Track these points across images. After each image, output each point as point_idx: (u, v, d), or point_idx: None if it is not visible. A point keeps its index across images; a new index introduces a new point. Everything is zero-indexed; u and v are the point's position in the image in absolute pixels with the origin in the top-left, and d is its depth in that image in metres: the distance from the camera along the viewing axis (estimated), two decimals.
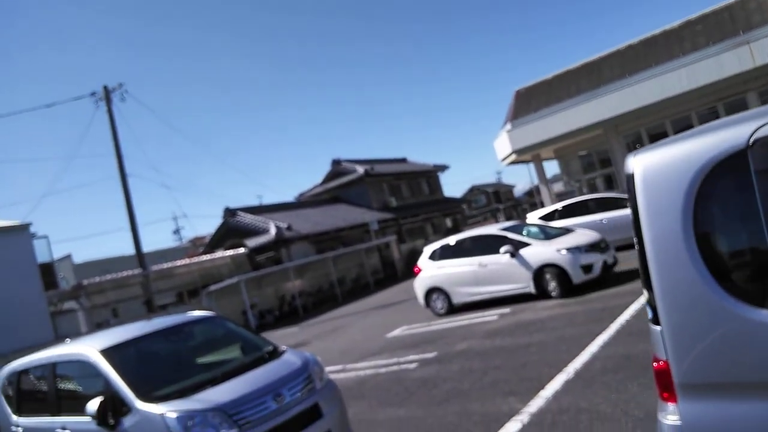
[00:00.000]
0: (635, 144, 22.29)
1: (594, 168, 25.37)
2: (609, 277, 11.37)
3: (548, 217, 15.45)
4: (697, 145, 2.28)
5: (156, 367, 5.51)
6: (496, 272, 11.56)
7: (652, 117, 21.44)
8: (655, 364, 2.47)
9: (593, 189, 25.00)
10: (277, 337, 17.02)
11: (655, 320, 2.40)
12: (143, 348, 5.59)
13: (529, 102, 24.17)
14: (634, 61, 21.94)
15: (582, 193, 24.32)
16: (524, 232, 11.98)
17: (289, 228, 27.35)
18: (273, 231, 26.90)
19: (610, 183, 24.69)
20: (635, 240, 2.46)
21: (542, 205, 25.89)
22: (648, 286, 2.40)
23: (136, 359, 5.39)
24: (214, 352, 5.99)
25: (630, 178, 2.44)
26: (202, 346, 6.07)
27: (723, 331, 2.18)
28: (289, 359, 5.44)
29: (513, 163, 26.79)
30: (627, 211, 14.27)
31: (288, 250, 27.79)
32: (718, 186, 2.22)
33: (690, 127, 21.07)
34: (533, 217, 16.05)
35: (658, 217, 2.32)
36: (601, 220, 14.54)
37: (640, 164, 2.41)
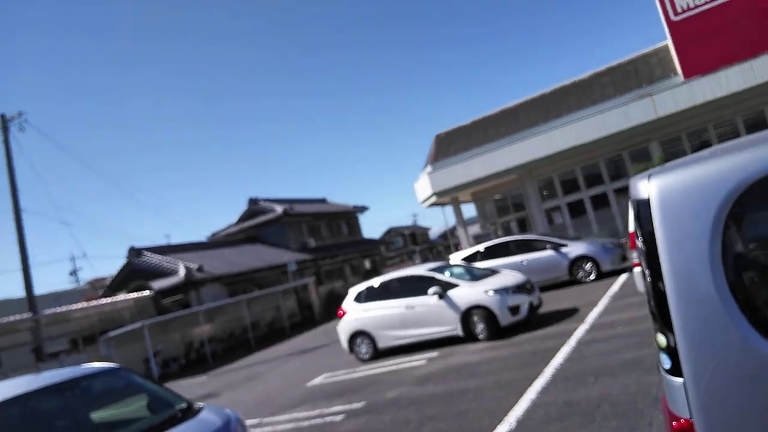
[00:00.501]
0: (545, 189, 23.19)
1: (508, 211, 26.06)
2: (535, 319, 11.28)
3: (471, 259, 15.41)
4: (726, 164, 1.95)
5: None
6: (424, 314, 11.16)
7: (564, 163, 22.40)
8: (674, 423, 2.06)
9: (507, 231, 25.64)
10: (182, 387, 15.55)
11: (675, 371, 2.00)
12: (28, 408, 4.57)
13: (449, 146, 24.63)
14: (548, 109, 23.03)
15: (497, 236, 24.87)
16: (451, 273, 11.73)
17: (200, 269, 25.77)
18: (182, 272, 25.23)
19: (523, 226, 25.42)
20: (647, 274, 2.08)
21: (458, 248, 26.22)
22: (665, 329, 2.01)
23: (19, 424, 4.38)
24: (116, 411, 5.05)
25: (643, 204, 2.06)
26: (102, 405, 5.11)
27: (763, 384, 1.81)
28: (207, 418, 4.62)
29: (433, 205, 27.03)
30: (546, 253, 14.54)
31: (198, 293, 26.12)
32: (753, 210, 1.89)
33: (598, 174, 22.30)
34: (456, 258, 15.96)
35: (680, 248, 1.94)
36: (522, 261, 14.67)
37: (656, 187, 2.04)
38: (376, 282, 12.31)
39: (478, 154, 22.80)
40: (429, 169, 23.71)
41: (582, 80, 23.13)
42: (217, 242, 35.12)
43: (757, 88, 18.34)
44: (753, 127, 19.69)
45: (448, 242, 72.95)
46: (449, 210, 26.39)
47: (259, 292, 26.83)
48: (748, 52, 18.36)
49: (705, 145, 20.16)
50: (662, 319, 2.01)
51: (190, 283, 25.34)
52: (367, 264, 41.48)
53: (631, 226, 7.68)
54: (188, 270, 25.26)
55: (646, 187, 2.07)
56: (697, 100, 19.06)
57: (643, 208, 2.06)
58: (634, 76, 21.58)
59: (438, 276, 11.34)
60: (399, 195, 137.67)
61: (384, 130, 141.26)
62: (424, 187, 24.25)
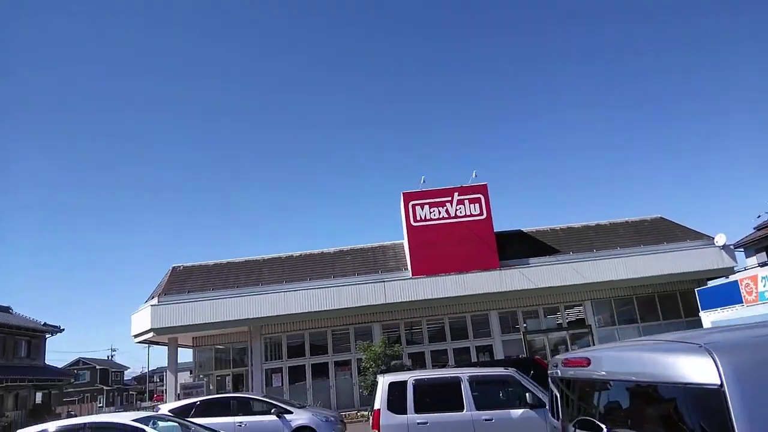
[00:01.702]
0: (271, 349, 22.66)
1: (227, 365, 24.50)
2: None
3: (184, 412, 13.49)
4: None
5: None
6: None
7: (296, 326, 22.47)
8: None
9: (221, 386, 23.85)
10: None
11: None
12: None
13: (184, 281, 22.90)
14: (291, 271, 23.44)
15: (210, 389, 22.86)
16: (160, 427, 9.95)
17: None
18: None
19: (239, 382, 23.98)
20: None
21: (156, 397, 23.05)
22: None
23: None
24: None
25: (703, 391, 1.66)
26: None
27: None
28: None
29: (145, 342, 24.05)
30: (268, 418, 13.56)
31: None
32: None
33: (324, 344, 22.76)
34: (166, 409, 13.82)
35: None
36: (240, 423, 13.37)
37: (731, 364, 1.67)
38: (51, 427, 9.66)
39: (213, 298, 21.56)
40: (155, 301, 21.40)
41: (327, 253, 24.52)
42: None
43: (467, 297, 21.63)
44: (456, 327, 22.79)
45: (143, 387, 64.76)
46: (157, 352, 23.59)
47: None
48: (463, 267, 21.87)
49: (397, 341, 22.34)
50: None
51: None
52: (39, 397, 33.72)
53: (378, 403, 7.60)
54: None
55: (716, 363, 1.62)
56: (419, 295, 21.53)
57: (713, 394, 1.57)
58: (372, 261, 23.72)
59: (149, 430, 9.47)
60: (103, 319, 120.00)
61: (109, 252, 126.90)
62: (142, 319, 21.58)
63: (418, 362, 21.66)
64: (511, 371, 7.99)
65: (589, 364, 1.98)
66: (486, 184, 23.23)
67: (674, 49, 77.40)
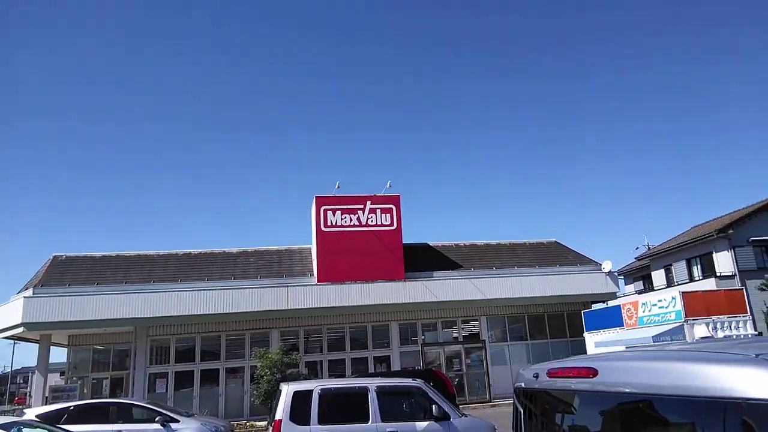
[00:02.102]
0: (157, 352, 21.24)
1: (106, 367, 22.66)
2: None
3: (55, 418, 12.12)
4: None
5: None
6: None
7: (187, 329, 21.22)
8: None
9: (97, 390, 21.98)
10: None
11: None
12: None
13: (65, 272, 20.90)
14: (188, 269, 22.17)
15: (84, 393, 20.95)
16: None
17: None
18: None
19: (118, 386, 22.25)
20: None
21: (18, 400, 20.75)
22: None
23: None
24: None
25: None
26: None
27: None
28: None
29: (13, 338, 21.63)
30: (152, 426, 12.54)
31: None
32: None
33: (217, 350, 21.63)
34: (33, 414, 12.37)
35: None
36: None
37: None
38: None
39: (97, 293, 19.84)
40: (29, 292, 19.30)
41: (230, 252, 23.47)
42: None
43: (371, 306, 21.51)
44: (356, 337, 22.58)
45: (4, 389, 58.63)
46: (24, 350, 21.36)
47: None
48: (369, 276, 21.77)
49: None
50: None
51: None
52: None
53: (280, 413, 7.14)
54: None
55: None
56: (322, 303, 21.12)
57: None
58: (277, 265, 23.00)
59: None
60: None
61: None
62: (12, 312, 19.36)
63: (313, 372, 21.18)
64: (419, 382, 7.86)
65: (596, 375, 1.79)
66: (399, 196, 23.41)
67: (599, 73, 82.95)
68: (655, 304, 17.80)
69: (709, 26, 76.26)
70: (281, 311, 20.95)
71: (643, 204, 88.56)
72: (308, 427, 7.06)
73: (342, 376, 21.89)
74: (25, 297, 19.13)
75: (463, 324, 23.99)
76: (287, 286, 21.12)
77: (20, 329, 19.13)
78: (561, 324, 24.70)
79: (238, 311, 20.49)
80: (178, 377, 20.87)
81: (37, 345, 21.19)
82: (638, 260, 31.62)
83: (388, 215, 23.08)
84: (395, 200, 23.35)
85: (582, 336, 24.15)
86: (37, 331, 19.50)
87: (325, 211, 22.64)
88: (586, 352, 22.21)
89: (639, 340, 17.01)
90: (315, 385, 7.51)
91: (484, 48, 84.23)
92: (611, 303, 21.47)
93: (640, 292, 29.91)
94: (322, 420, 7.12)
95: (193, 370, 21.00)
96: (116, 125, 78.61)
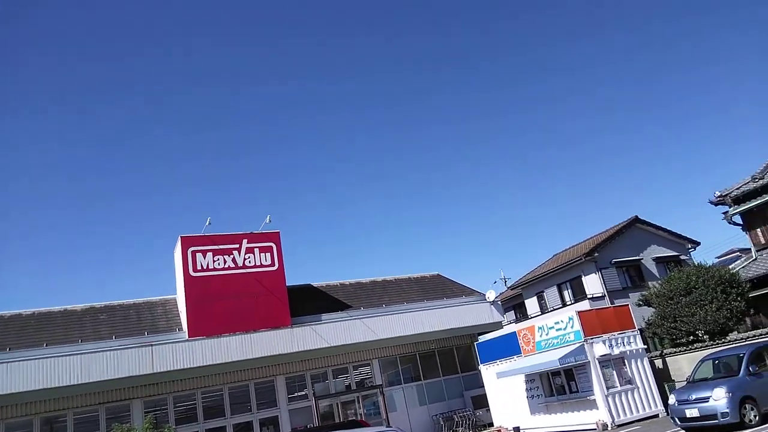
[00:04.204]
0: None
1: None
2: None
3: None
4: None
5: None
6: None
7: (22, 410, 16.84)
8: None
9: None
10: None
11: None
12: None
13: None
14: (19, 335, 17.87)
15: None
16: None
17: None
18: None
19: None
20: None
21: None
22: None
23: None
24: None
25: None
26: None
27: None
28: None
29: None
30: None
31: None
32: None
33: (62, 430, 17.36)
34: None
35: None
36: None
37: None
38: None
39: None
40: None
41: (75, 311, 19.40)
42: None
43: (253, 360, 18.89)
44: (237, 397, 19.66)
45: None
46: None
47: None
48: (251, 325, 19.23)
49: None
50: None
51: None
52: None
53: None
54: None
55: None
56: (197, 361, 18.09)
57: None
58: (136, 321, 19.44)
59: None
60: None
61: None
62: None
63: None
64: (399, 429, 6.13)
65: None
66: (279, 232, 21.34)
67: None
68: (552, 327, 17.70)
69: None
70: (145, 376, 17.51)
71: (488, 239, 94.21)
72: None
73: None
74: None
75: (355, 369, 22.20)
76: (151, 345, 17.77)
77: None
78: (451, 359, 24.01)
79: (89, 381, 16.68)
80: None
81: None
82: (511, 289, 32.55)
83: (268, 254, 20.88)
84: (275, 237, 21.25)
85: (475, 369, 23.68)
86: None
87: (194, 253, 19.80)
88: (482, 386, 21.65)
89: (543, 365, 16.68)
90: None
91: (326, 79, 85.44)
92: (502, 331, 21.23)
93: (514, 322, 30.58)
94: None
95: None
96: None
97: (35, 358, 16.44)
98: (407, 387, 22.60)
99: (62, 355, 16.74)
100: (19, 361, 16.25)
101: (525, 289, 31.25)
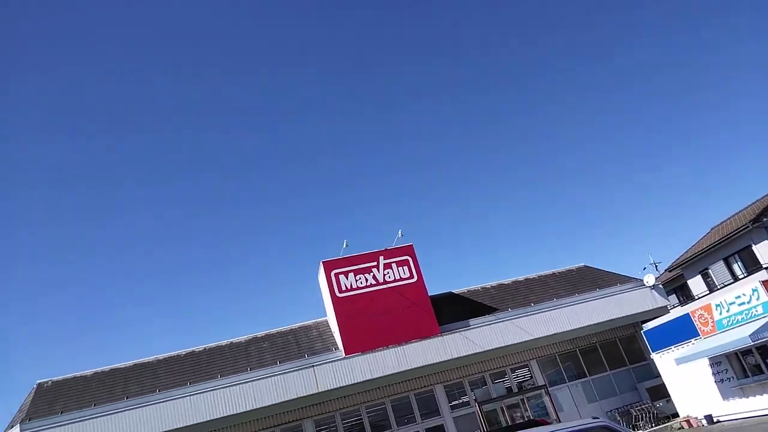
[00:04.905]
0: None
1: None
2: None
3: None
4: None
5: None
6: None
7: None
8: None
9: None
10: None
11: None
12: None
13: (55, 400, 17.84)
14: (194, 370, 19.33)
15: None
16: None
17: None
18: None
19: None
20: None
21: None
22: None
23: None
24: None
25: None
26: None
27: None
28: None
29: None
30: None
31: None
32: None
33: None
34: None
35: None
36: None
37: None
38: None
39: (96, 415, 16.80)
40: (16, 429, 16.17)
41: (239, 343, 20.74)
42: None
43: (409, 372, 18.90)
44: (400, 409, 19.72)
45: None
46: None
47: None
48: (401, 338, 19.30)
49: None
50: None
51: None
52: None
53: None
54: None
55: None
56: (356, 377, 18.45)
57: None
58: (294, 345, 20.34)
59: None
60: None
61: None
62: None
63: None
64: (603, 420, 5.59)
65: None
66: (412, 245, 21.34)
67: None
68: (733, 302, 15.77)
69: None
70: (310, 396, 18.15)
71: (631, 222, 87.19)
72: None
73: None
74: None
75: (514, 372, 21.38)
76: (312, 366, 18.44)
77: None
78: (616, 351, 22.33)
79: (262, 406, 17.63)
80: None
81: None
82: (669, 271, 29.80)
83: (406, 267, 20.94)
84: (409, 250, 21.30)
85: (645, 359, 21.80)
86: None
87: (336, 275, 20.39)
88: (657, 375, 19.82)
89: (730, 345, 14.83)
90: None
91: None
92: (670, 316, 19.33)
93: (679, 305, 27.86)
94: None
95: None
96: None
97: (214, 389, 17.72)
98: (572, 385, 21.31)
99: (236, 384, 17.88)
100: (200, 393, 17.62)
101: (685, 268, 28.41)
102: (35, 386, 18.65)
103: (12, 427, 16.70)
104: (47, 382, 18.85)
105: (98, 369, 19.79)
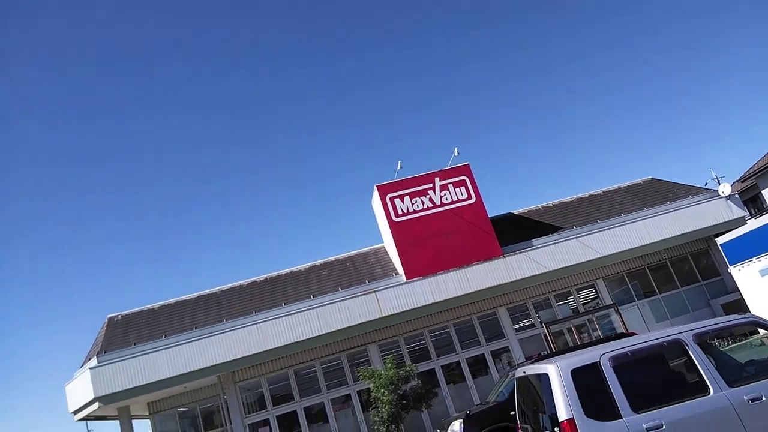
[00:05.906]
0: (250, 398, 18.43)
1: (198, 429, 19.90)
2: None
3: None
4: None
5: None
6: None
7: (276, 364, 18.42)
8: None
9: None
10: None
11: None
12: None
13: (126, 333, 18.35)
14: (258, 299, 19.48)
15: None
16: None
17: None
18: None
19: None
20: None
21: None
22: None
23: None
24: None
25: None
26: None
27: None
28: None
29: (91, 418, 19.05)
30: None
31: None
32: None
33: (314, 381, 18.77)
34: None
35: None
36: None
37: None
38: None
39: (168, 346, 17.22)
40: (93, 362, 16.76)
41: (299, 271, 20.71)
42: None
43: (472, 294, 18.50)
44: (464, 333, 19.52)
45: None
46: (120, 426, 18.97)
47: None
48: (463, 261, 18.81)
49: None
50: None
51: None
52: None
53: (565, 410, 4.21)
54: None
55: None
56: (419, 301, 18.19)
57: None
58: (354, 272, 20.17)
59: None
60: (23, 400, 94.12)
61: None
62: (81, 388, 16.83)
63: (429, 382, 18.02)
64: (751, 315, 4.91)
65: None
66: (468, 164, 20.48)
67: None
68: None
69: None
70: (374, 321, 18.06)
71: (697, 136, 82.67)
72: (620, 420, 4.15)
73: (461, 380, 18.85)
74: (90, 368, 16.57)
75: (580, 292, 20.74)
76: (375, 291, 18.25)
77: (95, 405, 16.52)
78: (688, 267, 21.33)
79: (328, 332, 17.67)
80: (281, 421, 17.94)
81: (118, 423, 18.63)
82: (741, 181, 28.01)
83: (463, 188, 20.17)
84: (466, 170, 20.45)
85: (719, 274, 20.76)
86: (113, 403, 16.85)
87: (392, 199, 19.84)
88: (732, 291, 18.86)
89: None
90: (597, 354, 4.59)
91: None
92: (748, 226, 18.06)
93: (752, 217, 26.29)
94: (636, 404, 4.21)
95: (295, 410, 18.08)
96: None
97: (279, 317, 17.83)
98: (641, 304, 20.56)
99: (301, 311, 17.93)
100: (266, 321, 17.76)
101: (759, 178, 26.63)
102: (106, 320, 19.21)
103: (89, 360, 17.30)
104: (117, 316, 19.38)
105: (164, 301, 20.19)
